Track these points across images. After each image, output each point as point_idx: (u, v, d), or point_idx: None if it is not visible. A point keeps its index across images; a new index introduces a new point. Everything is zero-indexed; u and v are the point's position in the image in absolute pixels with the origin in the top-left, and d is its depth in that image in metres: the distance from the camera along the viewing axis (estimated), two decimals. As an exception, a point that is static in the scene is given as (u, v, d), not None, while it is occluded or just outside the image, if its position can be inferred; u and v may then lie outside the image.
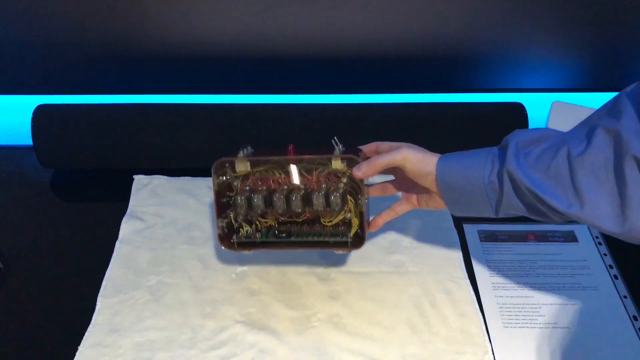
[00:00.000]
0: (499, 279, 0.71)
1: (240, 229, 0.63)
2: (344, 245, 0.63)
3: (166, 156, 0.82)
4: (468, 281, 0.70)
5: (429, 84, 0.92)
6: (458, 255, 0.73)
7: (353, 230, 0.62)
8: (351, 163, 0.60)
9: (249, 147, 0.62)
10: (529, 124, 0.81)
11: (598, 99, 0.95)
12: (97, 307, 0.67)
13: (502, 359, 0.62)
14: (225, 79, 0.92)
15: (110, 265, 0.71)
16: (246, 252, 0.64)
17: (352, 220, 0.62)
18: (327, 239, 0.63)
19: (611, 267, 0.72)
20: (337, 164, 0.60)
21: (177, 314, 0.66)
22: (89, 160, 0.82)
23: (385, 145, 0.62)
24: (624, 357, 0.63)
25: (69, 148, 0.81)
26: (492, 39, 0.86)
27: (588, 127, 0.50)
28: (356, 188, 0.61)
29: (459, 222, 0.78)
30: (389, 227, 0.75)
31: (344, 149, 0.60)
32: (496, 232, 0.77)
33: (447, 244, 0.75)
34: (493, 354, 0.63)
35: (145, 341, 0.63)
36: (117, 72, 0.90)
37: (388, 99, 0.91)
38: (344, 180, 0.61)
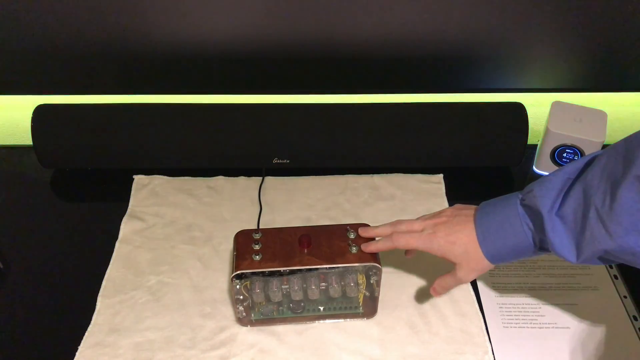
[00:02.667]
0: (499, 279, 0.71)
1: (256, 305, 0.64)
2: (357, 315, 0.65)
3: (166, 156, 0.82)
4: (468, 281, 0.70)
5: (429, 84, 0.92)
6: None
7: (364, 303, 0.64)
8: (371, 268, 0.61)
9: (257, 242, 0.62)
10: (529, 123, 0.81)
11: (598, 99, 0.95)
12: (97, 307, 0.67)
13: (502, 359, 0.62)
14: (224, 78, 0.92)
15: (110, 265, 0.71)
16: (265, 327, 0.65)
17: (364, 295, 0.64)
18: (340, 311, 0.65)
19: (611, 267, 0.72)
20: (360, 278, 0.62)
21: (177, 314, 0.66)
22: (89, 160, 0.82)
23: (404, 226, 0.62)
24: (624, 357, 0.63)
25: (69, 148, 0.81)
26: (492, 39, 0.86)
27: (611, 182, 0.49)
28: (370, 267, 0.61)
29: (459, 222, 0.77)
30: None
31: (355, 235, 0.62)
32: (496, 232, 0.77)
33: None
34: (493, 354, 0.63)
35: (145, 341, 0.64)
36: (117, 72, 0.90)
37: (388, 99, 0.91)
38: (360, 279, 0.62)
